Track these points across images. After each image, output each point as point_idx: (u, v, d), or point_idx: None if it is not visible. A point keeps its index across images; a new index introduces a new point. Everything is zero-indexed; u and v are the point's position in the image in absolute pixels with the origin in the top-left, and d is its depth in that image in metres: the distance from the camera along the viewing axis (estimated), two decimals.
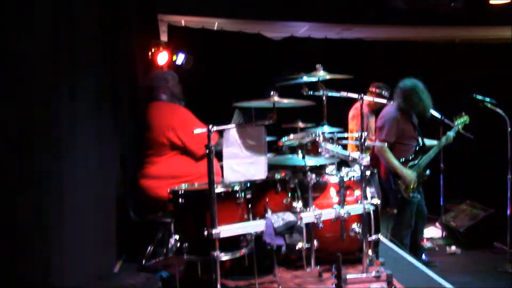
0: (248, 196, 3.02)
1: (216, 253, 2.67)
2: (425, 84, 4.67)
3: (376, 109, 5.48)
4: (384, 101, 4.29)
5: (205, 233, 2.67)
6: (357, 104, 5.71)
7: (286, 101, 3.02)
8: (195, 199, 2.96)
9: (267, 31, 6.91)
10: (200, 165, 3.55)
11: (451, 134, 4.81)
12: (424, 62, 7.09)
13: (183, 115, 3.66)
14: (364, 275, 3.08)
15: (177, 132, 3.54)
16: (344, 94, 3.33)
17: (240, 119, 3.97)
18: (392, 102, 4.60)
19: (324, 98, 3.55)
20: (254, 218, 3.04)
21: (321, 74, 3.42)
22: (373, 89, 5.46)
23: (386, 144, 4.34)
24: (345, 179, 3.41)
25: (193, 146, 3.57)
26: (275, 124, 2.93)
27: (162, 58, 5.61)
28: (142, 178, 3.58)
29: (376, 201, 3.37)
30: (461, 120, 4.91)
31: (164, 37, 6.57)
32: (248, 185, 3.08)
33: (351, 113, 5.72)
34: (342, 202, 3.26)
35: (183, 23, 6.66)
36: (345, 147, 4.00)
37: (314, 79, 3.46)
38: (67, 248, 2.33)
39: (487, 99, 5.08)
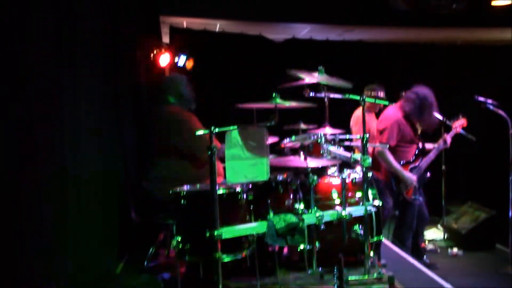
0: (250, 197, 3.02)
1: (218, 254, 2.68)
2: (427, 86, 4.65)
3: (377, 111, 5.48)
4: (386, 102, 4.27)
5: (207, 234, 2.68)
6: (357, 112, 5.74)
7: (288, 103, 3.03)
8: (197, 200, 2.96)
9: (269, 32, 6.91)
10: (202, 168, 3.55)
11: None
12: (426, 64, 7.09)
13: (190, 121, 3.65)
14: (366, 276, 3.09)
15: (183, 138, 3.53)
16: (345, 96, 3.33)
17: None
18: (394, 104, 4.57)
19: (326, 100, 3.56)
20: (256, 220, 3.04)
21: (323, 76, 3.43)
22: (369, 93, 5.38)
23: (387, 146, 4.34)
24: (347, 180, 3.41)
25: (198, 152, 3.54)
26: (276, 125, 2.94)
27: (164, 60, 5.62)
28: (144, 180, 3.58)
29: (378, 202, 3.38)
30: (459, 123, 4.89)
31: (166, 39, 6.58)
32: (250, 186, 3.08)
33: (352, 121, 5.73)
34: (344, 204, 3.26)
35: (184, 25, 6.67)
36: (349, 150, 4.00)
37: (315, 80, 3.47)
38: (69, 249, 2.33)
39: (489, 101, 5.08)
